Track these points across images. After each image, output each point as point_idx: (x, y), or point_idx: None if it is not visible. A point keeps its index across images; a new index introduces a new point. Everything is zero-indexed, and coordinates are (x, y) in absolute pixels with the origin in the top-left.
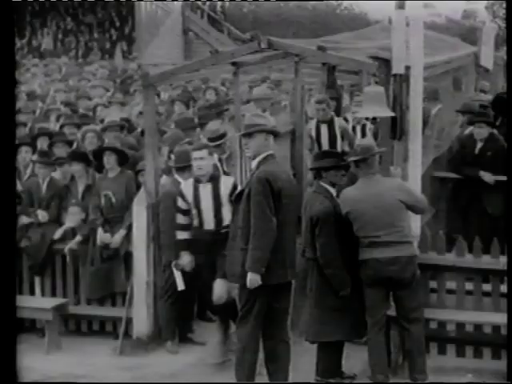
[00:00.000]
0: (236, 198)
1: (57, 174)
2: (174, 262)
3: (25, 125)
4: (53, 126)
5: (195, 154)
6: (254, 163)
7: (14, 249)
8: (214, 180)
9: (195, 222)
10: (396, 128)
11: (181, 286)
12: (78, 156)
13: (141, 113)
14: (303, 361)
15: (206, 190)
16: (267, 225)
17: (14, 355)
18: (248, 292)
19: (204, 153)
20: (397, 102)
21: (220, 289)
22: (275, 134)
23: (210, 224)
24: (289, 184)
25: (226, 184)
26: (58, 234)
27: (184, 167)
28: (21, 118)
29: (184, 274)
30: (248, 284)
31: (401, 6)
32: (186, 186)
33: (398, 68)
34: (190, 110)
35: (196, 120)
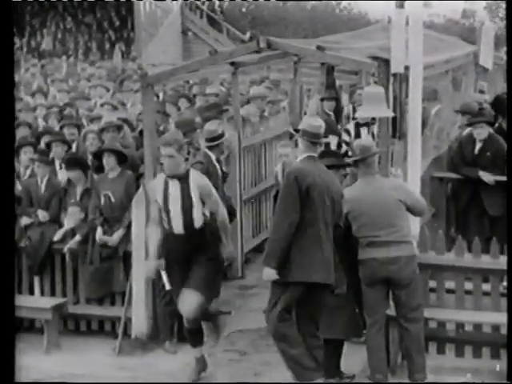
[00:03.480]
0: (275, 195)
1: (59, 175)
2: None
3: (28, 125)
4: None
5: (163, 151)
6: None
7: (12, 248)
8: (182, 177)
9: (165, 225)
10: (396, 127)
11: (167, 285)
12: (74, 162)
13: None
14: None
15: (174, 188)
16: (283, 220)
17: (13, 355)
18: (276, 288)
19: (172, 150)
20: (397, 101)
21: (190, 301)
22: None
23: (178, 227)
24: (321, 182)
25: (195, 181)
26: (58, 235)
27: None
28: (23, 117)
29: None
30: (263, 277)
31: (400, 6)
32: (158, 183)
33: (396, 67)
34: (188, 110)
35: (198, 120)
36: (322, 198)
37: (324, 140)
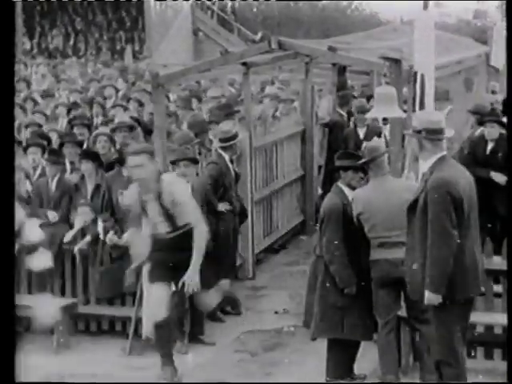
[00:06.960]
0: (410, 207)
1: (71, 178)
2: None
3: (38, 125)
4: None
5: (131, 161)
6: (426, 166)
7: (13, 247)
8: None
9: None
10: None
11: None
12: (89, 155)
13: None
14: (312, 360)
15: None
16: (445, 240)
17: (13, 355)
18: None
19: (143, 158)
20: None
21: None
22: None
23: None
24: (469, 189)
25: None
26: (68, 237)
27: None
28: (32, 118)
29: None
30: (425, 301)
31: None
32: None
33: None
34: (201, 109)
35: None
36: (471, 203)
37: (447, 134)
